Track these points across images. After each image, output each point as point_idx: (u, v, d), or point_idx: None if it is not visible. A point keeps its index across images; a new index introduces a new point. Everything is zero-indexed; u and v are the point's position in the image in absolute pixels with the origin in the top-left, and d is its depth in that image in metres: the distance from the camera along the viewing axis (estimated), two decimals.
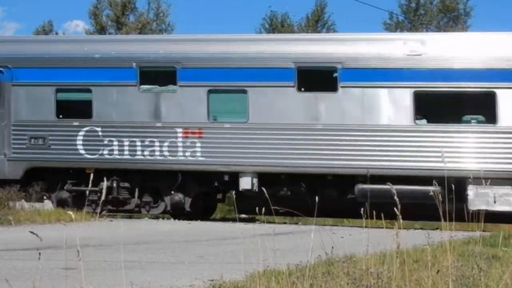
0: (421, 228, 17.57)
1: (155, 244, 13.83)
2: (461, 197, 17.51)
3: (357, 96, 19.02)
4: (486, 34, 19.91)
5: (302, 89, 19.43)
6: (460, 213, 18.90)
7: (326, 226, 17.16)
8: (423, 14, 46.14)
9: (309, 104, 19.27)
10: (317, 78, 19.55)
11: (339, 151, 19.04)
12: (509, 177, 18.25)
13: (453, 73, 18.80)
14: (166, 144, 19.83)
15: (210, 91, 19.73)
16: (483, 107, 18.89)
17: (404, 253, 7.32)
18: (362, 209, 8.49)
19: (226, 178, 19.88)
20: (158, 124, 19.91)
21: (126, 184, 20.25)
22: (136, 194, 20.19)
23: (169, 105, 19.88)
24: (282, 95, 19.34)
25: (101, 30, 46.13)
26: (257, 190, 19.31)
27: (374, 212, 8.29)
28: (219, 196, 21.36)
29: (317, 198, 8.64)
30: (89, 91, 20.37)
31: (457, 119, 19.12)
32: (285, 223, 20.49)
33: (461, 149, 18.66)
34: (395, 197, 6.71)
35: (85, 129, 20.30)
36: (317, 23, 46.89)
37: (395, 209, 6.91)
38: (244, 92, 19.55)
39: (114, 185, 20.10)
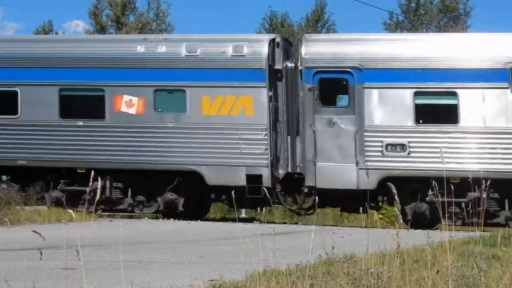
0: (421, 228, 17.56)
1: (155, 244, 13.82)
2: None
3: None
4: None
5: None
6: None
7: (326, 226, 17.17)
8: (423, 14, 46.14)
9: None
10: None
11: None
12: None
13: None
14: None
15: None
16: None
17: (404, 253, 7.32)
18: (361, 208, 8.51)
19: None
20: None
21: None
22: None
23: None
24: None
25: (101, 30, 46.12)
26: None
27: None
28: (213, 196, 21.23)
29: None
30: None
31: None
32: (285, 223, 20.50)
33: None
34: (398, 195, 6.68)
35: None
36: (317, 23, 46.88)
37: (395, 209, 6.90)
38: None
39: None
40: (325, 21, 47.40)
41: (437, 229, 17.71)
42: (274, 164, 19.30)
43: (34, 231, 5.35)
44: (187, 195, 19.90)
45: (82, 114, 20.18)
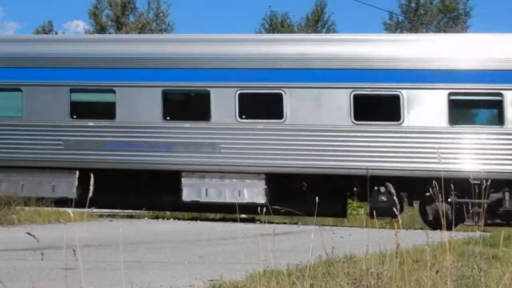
0: (421, 228, 17.58)
1: (155, 244, 13.82)
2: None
3: None
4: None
5: None
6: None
7: (326, 226, 17.17)
8: (423, 14, 46.20)
9: None
10: None
11: None
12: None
13: None
14: None
15: None
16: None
17: (404, 253, 7.32)
18: (362, 210, 8.54)
19: None
20: None
21: None
22: None
23: None
24: None
25: (101, 30, 46.18)
26: None
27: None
28: None
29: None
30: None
31: None
32: (285, 223, 20.50)
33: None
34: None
35: None
36: (317, 23, 46.95)
37: (394, 209, 6.91)
38: None
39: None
40: (325, 21, 47.50)
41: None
42: None
43: (28, 233, 5.33)
44: None
45: None
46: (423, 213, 19.37)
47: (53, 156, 19.98)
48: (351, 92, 19.05)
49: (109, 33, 45.53)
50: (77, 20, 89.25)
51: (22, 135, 20.24)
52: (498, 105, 18.72)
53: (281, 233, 15.48)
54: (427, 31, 43.31)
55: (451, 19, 46.58)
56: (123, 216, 20.64)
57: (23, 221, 17.38)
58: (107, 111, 20.18)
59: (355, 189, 19.37)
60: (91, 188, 5.69)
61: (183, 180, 19.65)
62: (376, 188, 18.75)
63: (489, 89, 18.65)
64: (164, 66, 19.90)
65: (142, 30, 44.78)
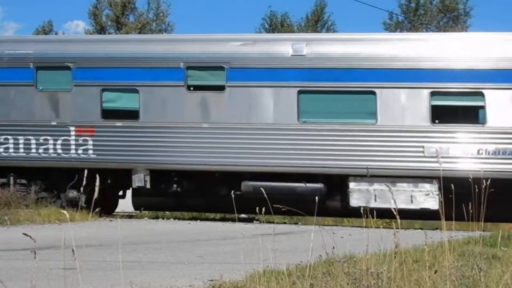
0: (421, 228, 17.57)
1: (154, 244, 13.82)
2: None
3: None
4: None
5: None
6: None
7: (326, 226, 17.17)
8: (423, 14, 46.19)
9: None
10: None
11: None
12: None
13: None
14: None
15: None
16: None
17: (404, 253, 7.32)
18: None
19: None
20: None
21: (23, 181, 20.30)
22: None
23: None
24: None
25: (101, 30, 46.17)
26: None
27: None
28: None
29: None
30: None
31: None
32: (285, 223, 20.49)
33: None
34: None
35: None
36: (317, 23, 46.95)
37: (393, 209, 6.92)
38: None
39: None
40: (325, 21, 47.49)
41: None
42: None
43: (25, 234, 5.33)
44: None
45: None
46: None
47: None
48: None
49: (109, 33, 45.50)
50: (77, 20, 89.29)
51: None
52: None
53: (281, 233, 15.48)
54: (427, 31, 43.29)
55: (451, 19, 46.58)
56: (123, 216, 20.63)
57: (23, 221, 17.38)
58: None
59: None
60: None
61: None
62: None
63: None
64: None
65: (142, 30, 44.77)
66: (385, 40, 19.70)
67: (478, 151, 18.27)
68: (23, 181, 20.21)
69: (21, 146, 20.16)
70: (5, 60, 20.37)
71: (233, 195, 9.54)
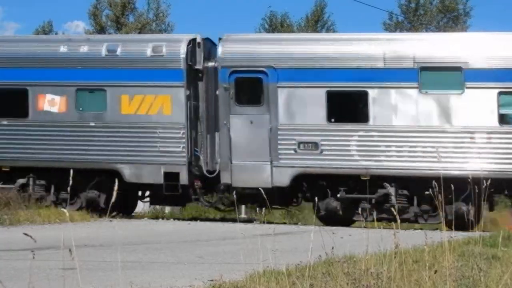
0: (421, 229, 17.57)
1: (155, 244, 13.82)
2: None
3: None
4: None
5: None
6: None
7: (326, 226, 17.16)
8: (423, 14, 46.14)
9: None
10: None
11: None
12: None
13: None
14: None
15: None
16: None
17: (404, 253, 7.32)
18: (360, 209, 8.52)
19: None
20: None
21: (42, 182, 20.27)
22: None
23: None
24: None
25: (101, 30, 46.11)
26: None
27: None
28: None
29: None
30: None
31: None
32: (284, 223, 20.51)
33: None
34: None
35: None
36: (316, 23, 46.90)
37: (392, 209, 6.91)
38: None
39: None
40: (325, 21, 47.42)
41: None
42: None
43: (25, 234, 5.32)
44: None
45: None
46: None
47: None
48: None
49: (109, 33, 45.48)
50: (77, 20, 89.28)
51: None
52: None
53: (280, 233, 15.47)
54: (427, 31, 43.27)
55: (451, 19, 46.54)
56: (122, 216, 20.62)
57: (22, 221, 17.37)
58: None
59: None
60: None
61: None
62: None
63: None
64: None
65: (142, 30, 44.74)
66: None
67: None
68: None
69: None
70: None
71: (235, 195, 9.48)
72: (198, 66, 19.81)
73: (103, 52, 20.02)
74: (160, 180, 19.38)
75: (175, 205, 22.67)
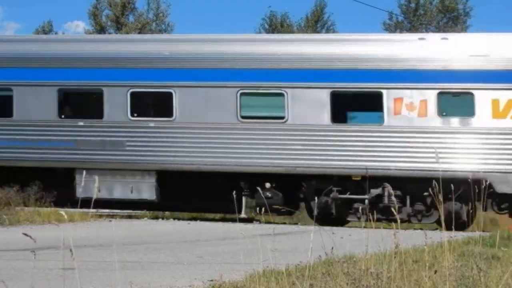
0: (421, 229, 17.57)
1: (154, 244, 13.82)
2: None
3: None
4: None
5: None
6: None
7: (326, 226, 17.17)
8: (423, 14, 46.16)
9: None
10: None
11: None
12: None
13: None
14: None
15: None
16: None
17: (404, 253, 7.32)
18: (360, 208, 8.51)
19: None
20: None
21: None
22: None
23: None
24: None
25: (101, 30, 46.12)
26: None
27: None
28: None
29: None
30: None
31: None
32: (284, 223, 20.51)
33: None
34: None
35: None
36: (316, 23, 46.92)
37: (392, 209, 6.91)
38: None
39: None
40: (325, 21, 47.45)
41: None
42: None
43: (25, 234, 5.32)
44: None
45: None
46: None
47: None
48: None
49: (109, 33, 45.47)
50: (77, 20, 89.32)
51: None
52: None
53: (280, 234, 15.47)
54: (426, 31, 43.27)
55: (451, 19, 46.55)
56: (122, 216, 20.63)
57: (22, 221, 17.37)
58: None
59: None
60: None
61: None
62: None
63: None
64: None
65: (141, 30, 44.73)
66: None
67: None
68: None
69: None
70: None
71: (234, 195, 9.46)
72: None
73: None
74: None
75: None
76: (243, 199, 20.43)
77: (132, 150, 19.82)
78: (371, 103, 19.18)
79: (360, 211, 18.64)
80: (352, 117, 19.36)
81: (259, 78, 19.42)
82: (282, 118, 19.26)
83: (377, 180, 18.46)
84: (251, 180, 19.20)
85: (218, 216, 21.91)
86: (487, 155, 18.37)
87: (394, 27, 46.07)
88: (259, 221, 17.64)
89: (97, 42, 21.84)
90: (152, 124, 19.84)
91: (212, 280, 8.68)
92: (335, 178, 19.11)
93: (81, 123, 20.20)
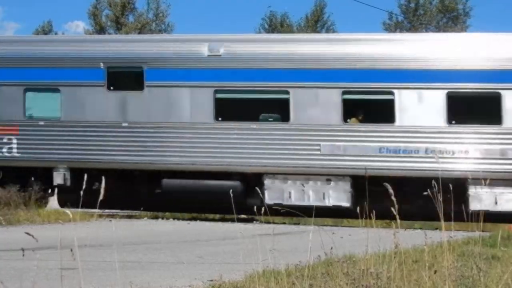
0: (421, 228, 17.57)
1: (154, 244, 13.83)
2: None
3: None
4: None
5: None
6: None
7: (325, 226, 17.17)
8: (423, 14, 46.19)
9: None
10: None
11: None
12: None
13: None
14: None
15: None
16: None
17: (403, 253, 7.32)
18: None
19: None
20: None
21: None
22: None
23: None
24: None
25: (101, 30, 46.14)
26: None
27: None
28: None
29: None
30: None
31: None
32: (284, 223, 20.50)
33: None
34: (396, 197, 6.71)
35: None
36: (316, 23, 46.95)
37: (392, 209, 6.91)
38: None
39: None
40: (325, 21, 47.49)
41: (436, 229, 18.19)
42: None
43: (27, 233, 5.33)
44: None
45: None
46: None
47: None
48: None
49: (109, 33, 45.48)
50: (77, 21, 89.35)
51: None
52: None
53: (280, 233, 15.48)
54: (426, 31, 43.29)
55: (451, 19, 46.57)
56: (122, 216, 20.63)
57: (22, 221, 17.38)
58: None
59: None
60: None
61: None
62: None
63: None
64: None
65: (141, 30, 44.75)
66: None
67: None
68: None
69: None
70: None
71: (231, 194, 9.45)
72: None
73: None
74: None
75: None
76: None
77: None
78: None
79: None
80: None
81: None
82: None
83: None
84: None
85: (217, 216, 21.92)
86: None
87: (394, 27, 46.09)
88: (259, 221, 17.66)
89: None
90: None
91: (212, 280, 8.68)
92: None
93: None
